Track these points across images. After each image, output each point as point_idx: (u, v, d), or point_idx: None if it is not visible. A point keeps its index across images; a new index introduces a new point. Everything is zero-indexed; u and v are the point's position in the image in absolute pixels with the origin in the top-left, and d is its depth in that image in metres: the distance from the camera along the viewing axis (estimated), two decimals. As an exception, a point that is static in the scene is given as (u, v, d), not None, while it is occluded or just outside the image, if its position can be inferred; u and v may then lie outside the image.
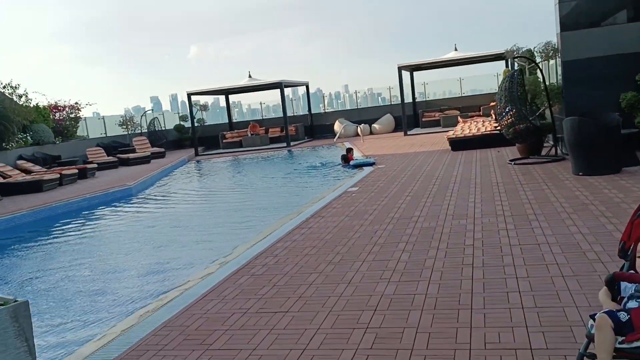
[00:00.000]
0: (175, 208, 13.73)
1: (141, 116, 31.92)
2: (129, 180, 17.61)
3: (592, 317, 2.86)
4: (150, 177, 18.71)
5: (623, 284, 3.00)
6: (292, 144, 26.91)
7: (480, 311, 4.60)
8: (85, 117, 29.33)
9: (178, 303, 5.66)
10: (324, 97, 37.52)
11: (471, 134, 16.92)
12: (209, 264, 7.30)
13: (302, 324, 4.77)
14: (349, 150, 17.83)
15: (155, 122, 31.36)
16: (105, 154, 24.78)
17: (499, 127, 13.50)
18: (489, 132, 16.65)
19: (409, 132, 25.32)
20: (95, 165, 21.52)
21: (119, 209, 14.11)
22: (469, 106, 27.41)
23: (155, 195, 16.01)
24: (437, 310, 4.72)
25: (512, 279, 5.25)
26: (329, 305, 5.12)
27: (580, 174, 10.09)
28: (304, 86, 31.69)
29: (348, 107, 35.67)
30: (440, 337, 4.22)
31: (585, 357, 2.89)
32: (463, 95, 29.94)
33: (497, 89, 12.81)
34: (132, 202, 14.94)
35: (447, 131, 19.75)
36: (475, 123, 19.60)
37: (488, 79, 30.69)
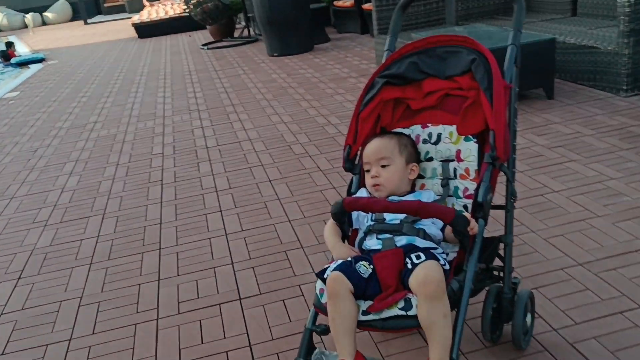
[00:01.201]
0: None
1: None
2: None
3: (321, 277, 1.83)
4: None
5: (355, 214, 2.02)
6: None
7: (171, 251, 3.39)
8: None
9: None
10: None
11: (159, 18, 15.05)
12: None
13: None
14: (10, 44, 14.35)
15: None
16: None
17: (187, 9, 11.98)
18: (178, 15, 14.98)
19: (89, 21, 21.99)
20: None
21: None
22: (156, -12, 24.90)
23: None
24: (111, 262, 3.36)
25: (210, 194, 4.13)
26: (-57, 284, 3.33)
27: (275, 54, 9.37)
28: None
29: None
30: (112, 308, 2.90)
31: (315, 333, 1.89)
32: (148, -24, 27.02)
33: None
34: None
35: (133, 17, 17.41)
36: (163, 6, 17.61)
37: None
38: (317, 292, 1.84)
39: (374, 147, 2.07)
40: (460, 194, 2.04)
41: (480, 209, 1.86)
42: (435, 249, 1.84)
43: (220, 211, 3.82)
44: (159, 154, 5.17)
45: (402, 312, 1.68)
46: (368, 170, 2.07)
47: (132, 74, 9.68)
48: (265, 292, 2.85)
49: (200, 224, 3.69)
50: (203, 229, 3.62)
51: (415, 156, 2.11)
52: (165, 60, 10.62)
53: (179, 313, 2.78)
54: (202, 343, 2.54)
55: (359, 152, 2.18)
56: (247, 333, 2.56)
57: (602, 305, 2.42)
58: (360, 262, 1.81)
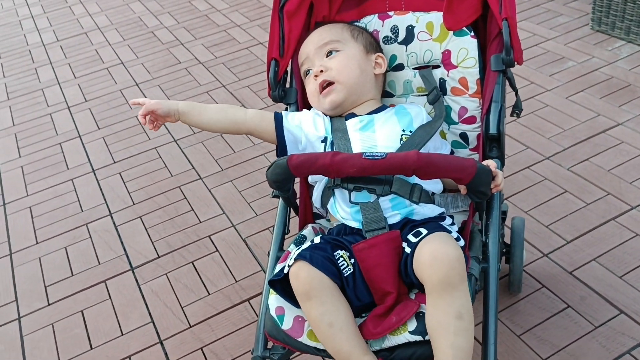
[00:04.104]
0: None
1: None
2: None
3: (273, 285, 1.15)
4: None
5: (302, 144, 1.32)
6: None
7: (22, 206, 2.51)
8: None
9: None
10: None
11: None
12: None
13: None
14: None
15: None
16: None
17: None
18: None
19: None
20: None
21: None
22: None
23: None
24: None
25: (61, 112, 3.15)
26: None
27: None
28: None
29: None
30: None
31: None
32: None
33: None
34: None
35: None
36: None
37: None
38: (273, 313, 1.17)
39: (314, 35, 1.39)
40: (455, 117, 1.38)
41: (495, 145, 1.23)
42: (440, 218, 1.21)
43: (80, 137, 2.91)
44: (-21, 61, 3.93)
45: (417, 338, 1.06)
46: (308, 73, 1.37)
47: None
48: (163, 254, 2.13)
49: (55, 158, 2.78)
50: (61, 166, 2.72)
51: (377, 46, 1.41)
52: None
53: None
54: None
55: (289, 69, 1.41)
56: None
57: (589, 213, 2.00)
58: (340, 252, 1.15)
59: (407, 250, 1.11)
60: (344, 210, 1.23)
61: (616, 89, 2.57)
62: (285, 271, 1.13)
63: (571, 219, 1.98)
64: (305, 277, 1.08)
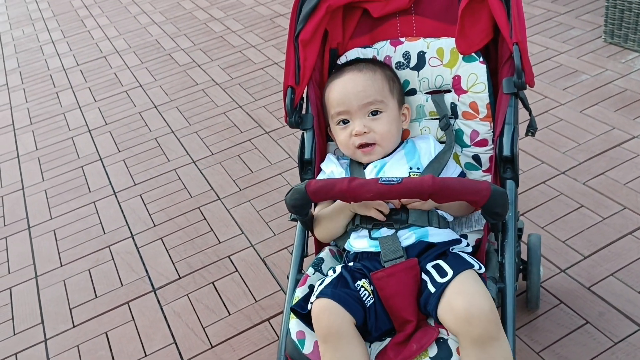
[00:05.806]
0: None
1: None
2: None
3: (299, 312, 1.18)
4: None
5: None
6: None
7: (46, 228, 2.57)
8: None
9: None
10: None
11: None
12: None
13: None
14: None
15: None
16: None
17: None
18: None
19: None
20: None
21: None
22: None
23: None
24: (-35, 260, 2.50)
25: (82, 136, 3.23)
26: None
27: None
28: None
29: None
30: (-19, 334, 2.12)
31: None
32: None
33: None
34: None
35: None
36: None
37: None
38: (294, 337, 1.20)
39: (354, 87, 1.36)
40: (467, 140, 1.41)
41: (509, 166, 1.26)
42: (456, 241, 1.24)
43: (101, 160, 2.97)
44: (3, 86, 4.03)
45: (437, 365, 1.09)
46: (344, 123, 1.38)
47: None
48: (184, 275, 2.17)
49: (77, 181, 2.84)
50: (83, 189, 2.78)
51: (403, 95, 1.44)
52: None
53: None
54: (117, 371, 1.88)
55: (305, 97, 1.45)
56: None
57: (606, 227, 2.00)
58: (359, 283, 1.18)
59: (431, 288, 1.12)
60: (360, 242, 1.27)
61: (630, 101, 2.57)
62: (309, 308, 1.16)
63: (588, 234, 1.99)
64: (325, 321, 1.11)
